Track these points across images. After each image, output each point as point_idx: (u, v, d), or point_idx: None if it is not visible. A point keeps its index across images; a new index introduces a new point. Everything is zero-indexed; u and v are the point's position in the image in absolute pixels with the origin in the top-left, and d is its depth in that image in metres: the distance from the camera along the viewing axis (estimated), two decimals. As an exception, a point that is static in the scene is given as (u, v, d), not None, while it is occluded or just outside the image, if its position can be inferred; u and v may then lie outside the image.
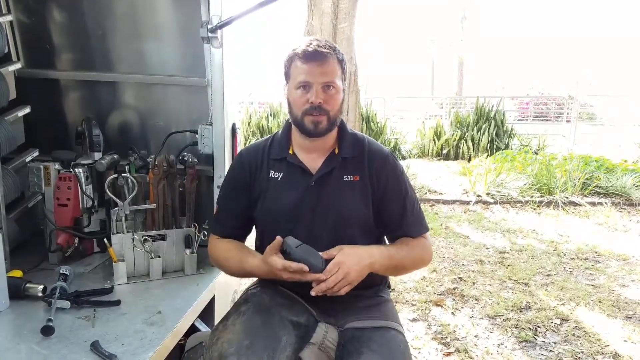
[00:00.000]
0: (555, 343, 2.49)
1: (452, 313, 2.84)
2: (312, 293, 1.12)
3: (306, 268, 1.11)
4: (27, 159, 1.86)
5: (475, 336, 2.56)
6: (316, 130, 1.24)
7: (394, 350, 1.18)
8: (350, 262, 1.13)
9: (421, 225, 1.35)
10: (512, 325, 2.67)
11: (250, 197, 1.34)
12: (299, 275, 1.13)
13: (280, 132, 1.38)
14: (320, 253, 1.15)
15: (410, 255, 1.30)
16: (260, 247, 1.40)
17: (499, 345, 2.46)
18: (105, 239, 1.60)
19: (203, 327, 1.66)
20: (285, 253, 1.16)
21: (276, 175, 1.32)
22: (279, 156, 1.33)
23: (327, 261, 1.14)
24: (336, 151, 1.31)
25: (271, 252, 1.17)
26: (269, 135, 1.42)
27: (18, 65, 1.93)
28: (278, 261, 1.14)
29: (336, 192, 1.28)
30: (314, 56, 1.20)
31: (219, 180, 1.74)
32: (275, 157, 1.34)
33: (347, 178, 1.29)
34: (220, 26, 1.62)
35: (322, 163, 1.30)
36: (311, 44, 1.21)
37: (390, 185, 1.31)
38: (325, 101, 1.21)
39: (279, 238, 1.16)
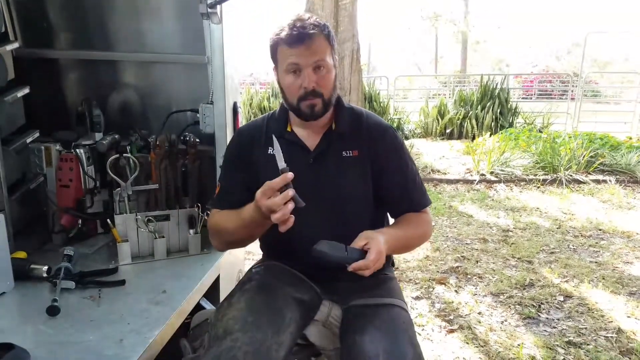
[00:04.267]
0: (558, 319, 2.50)
1: (456, 291, 2.85)
2: (349, 269, 1.08)
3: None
4: (28, 140, 1.84)
5: (479, 313, 2.58)
6: (312, 113, 1.22)
7: (397, 326, 1.18)
8: (382, 250, 1.11)
9: (424, 198, 1.34)
10: (515, 302, 2.68)
11: (250, 174, 1.32)
12: (282, 211, 1.05)
13: (278, 109, 1.35)
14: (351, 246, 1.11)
15: (416, 234, 1.29)
16: None
17: (502, 322, 2.48)
18: (108, 220, 1.60)
19: (208, 306, 1.67)
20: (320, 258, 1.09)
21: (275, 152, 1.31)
22: (277, 133, 1.30)
23: (358, 250, 1.10)
24: (333, 127, 1.29)
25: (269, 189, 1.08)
26: (267, 113, 1.40)
27: (16, 45, 1.89)
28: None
29: (335, 169, 1.27)
30: (300, 38, 1.15)
31: (221, 160, 1.72)
32: (273, 133, 1.31)
33: (346, 153, 1.28)
34: (220, 1, 1.58)
35: (320, 139, 1.29)
36: (295, 25, 1.16)
37: (390, 159, 1.29)
38: (318, 83, 1.18)
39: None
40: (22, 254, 1.50)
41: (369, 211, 1.31)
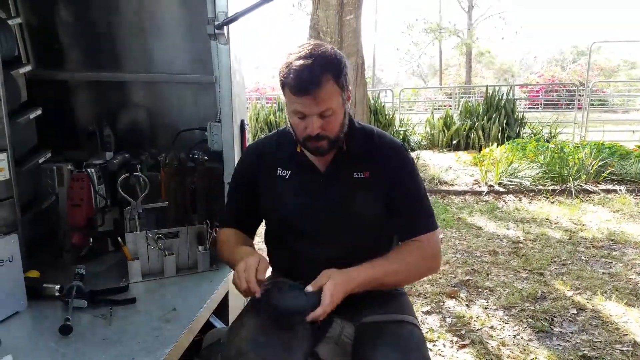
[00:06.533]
0: (572, 333, 2.46)
1: (467, 305, 2.82)
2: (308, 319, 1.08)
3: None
4: (40, 161, 1.87)
5: (491, 327, 2.54)
6: (318, 152, 1.21)
7: (410, 344, 1.17)
8: (339, 296, 1.10)
9: (429, 222, 1.26)
10: (527, 315, 2.64)
11: (257, 194, 1.33)
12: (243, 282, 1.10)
13: (288, 127, 1.36)
14: (308, 288, 1.10)
15: (404, 266, 1.22)
16: (270, 243, 1.39)
17: (514, 336, 2.45)
18: (119, 238, 1.61)
19: (218, 323, 1.67)
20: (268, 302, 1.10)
21: (284, 173, 1.29)
22: (287, 154, 1.30)
23: (317, 292, 1.09)
24: (344, 147, 1.27)
25: (254, 266, 1.11)
26: (277, 130, 1.38)
27: (28, 67, 1.94)
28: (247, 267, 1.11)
29: (346, 191, 1.25)
30: (305, 89, 1.09)
31: (229, 177, 1.74)
32: (283, 155, 1.30)
33: (357, 175, 1.25)
34: (227, 22, 1.61)
35: (331, 161, 1.27)
36: (303, 70, 1.09)
37: (398, 180, 1.25)
38: (324, 128, 1.15)
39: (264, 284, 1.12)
40: (35, 273, 1.52)
41: (379, 232, 1.30)
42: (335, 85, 1.13)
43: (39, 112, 1.92)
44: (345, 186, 1.25)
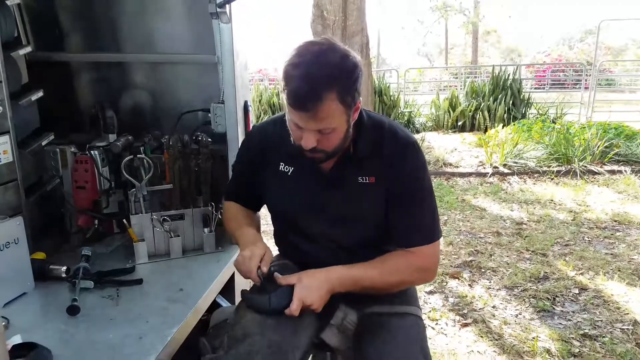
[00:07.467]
0: (573, 312, 2.48)
1: (469, 285, 2.84)
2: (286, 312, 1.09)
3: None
4: (43, 143, 1.87)
5: (493, 307, 2.57)
6: (315, 161, 1.15)
7: (410, 337, 1.18)
8: (311, 296, 1.09)
9: (421, 236, 1.18)
10: (530, 295, 2.66)
11: (259, 181, 1.30)
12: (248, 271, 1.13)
13: None
14: (280, 280, 1.12)
15: (384, 277, 1.16)
16: (275, 232, 1.39)
17: (516, 315, 2.47)
18: (124, 220, 1.62)
19: (224, 303, 1.69)
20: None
21: (286, 169, 1.24)
22: (290, 148, 1.19)
23: (289, 292, 1.10)
24: (351, 150, 1.17)
25: (260, 256, 1.12)
26: (278, 117, 1.28)
27: (28, 49, 1.92)
28: (252, 258, 1.12)
29: (349, 195, 1.18)
30: (303, 107, 0.99)
31: (233, 158, 1.73)
32: (287, 149, 1.20)
33: (362, 180, 1.17)
34: (229, 1, 1.59)
35: (335, 163, 1.18)
36: (301, 85, 0.97)
37: (400, 187, 1.16)
38: (320, 143, 1.06)
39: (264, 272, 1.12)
40: (41, 255, 1.53)
41: (384, 235, 1.24)
42: (340, 103, 1.00)
43: (40, 94, 1.90)
44: (349, 190, 1.18)
